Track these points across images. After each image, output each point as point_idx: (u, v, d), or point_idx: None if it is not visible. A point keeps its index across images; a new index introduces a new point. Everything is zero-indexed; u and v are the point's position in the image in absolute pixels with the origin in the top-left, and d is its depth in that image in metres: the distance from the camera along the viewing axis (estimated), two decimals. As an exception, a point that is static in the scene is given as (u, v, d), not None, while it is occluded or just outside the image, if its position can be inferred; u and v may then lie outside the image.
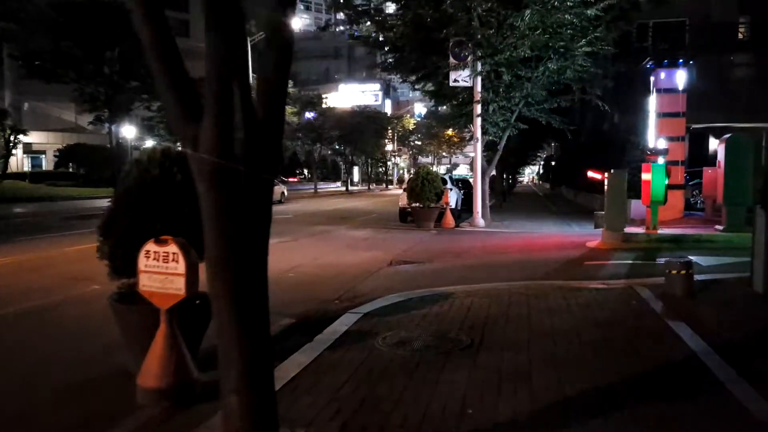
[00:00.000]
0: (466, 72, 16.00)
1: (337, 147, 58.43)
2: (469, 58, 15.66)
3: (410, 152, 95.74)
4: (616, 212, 10.72)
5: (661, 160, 10.97)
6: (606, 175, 11.02)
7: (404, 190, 18.41)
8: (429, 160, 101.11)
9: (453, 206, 19.41)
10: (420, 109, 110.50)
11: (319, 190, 52.51)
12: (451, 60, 15.91)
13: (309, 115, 52.55)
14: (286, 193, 35.33)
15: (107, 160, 33.91)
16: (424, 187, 17.40)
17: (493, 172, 35.71)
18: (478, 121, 16.66)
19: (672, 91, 14.43)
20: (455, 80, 16.09)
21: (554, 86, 17.77)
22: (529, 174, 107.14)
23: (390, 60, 17.87)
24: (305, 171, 63.24)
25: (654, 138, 14.79)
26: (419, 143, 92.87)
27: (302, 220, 20.72)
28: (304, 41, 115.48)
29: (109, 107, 23.77)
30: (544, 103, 17.45)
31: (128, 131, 36.92)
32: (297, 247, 13.10)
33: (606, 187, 10.83)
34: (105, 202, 5.28)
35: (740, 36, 26.94)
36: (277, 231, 16.95)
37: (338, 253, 12.10)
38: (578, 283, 7.70)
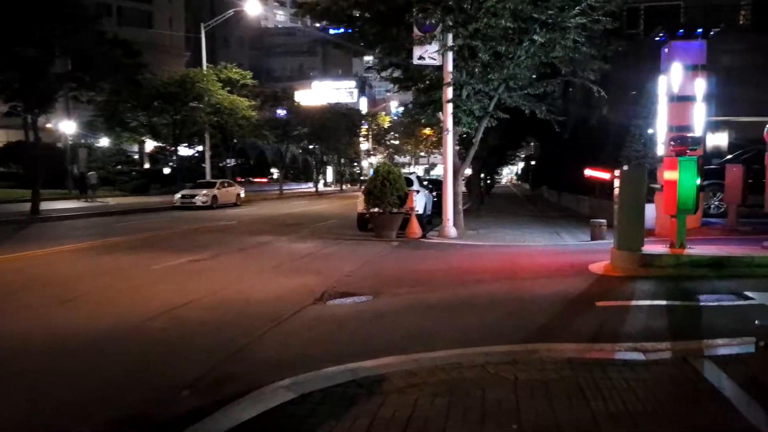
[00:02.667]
0: (434, 47, 12.98)
1: (307, 145, 55.09)
2: (437, 29, 12.64)
3: (387, 151, 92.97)
4: (632, 225, 7.77)
5: (691, 153, 8.04)
6: (615, 173, 8.06)
7: (362, 192, 15.33)
8: (406, 159, 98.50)
9: (420, 211, 16.38)
10: (396, 107, 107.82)
11: (286, 192, 49.22)
12: (416, 32, 12.87)
13: (281, 112, 49.22)
14: (242, 195, 32.06)
15: (47, 159, 30.28)
16: (385, 189, 14.34)
17: (469, 171, 32.86)
18: (449, 108, 13.64)
19: (689, 68, 11.56)
20: (420, 57, 13.05)
21: (540, 68, 14.84)
22: (508, 174, 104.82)
23: (341, 35, 14.74)
24: (273, 171, 59.60)
25: (666, 127, 11.92)
26: (396, 142, 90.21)
27: (244, 229, 17.54)
28: (277, 37, 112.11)
29: (25, 96, 20.26)
30: (528, 87, 14.50)
31: (67, 126, 33.28)
32: (208, 269, 9.96)
33: (617, 191, 7.88)
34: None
35: (741, 21, 24.38)
36: (201, 243, 13.82)
37: (258, 279, 9.00)
38: (598, 349, 4.71)
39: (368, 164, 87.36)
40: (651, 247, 8.07)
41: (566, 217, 20.48)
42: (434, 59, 13.14)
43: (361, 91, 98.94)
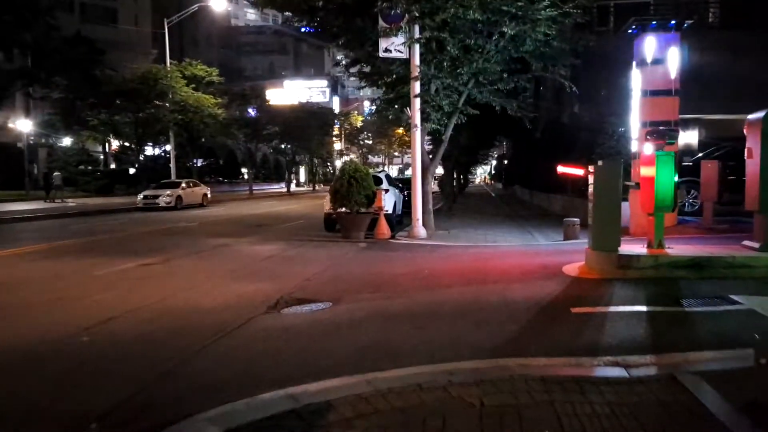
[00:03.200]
0: (401, 39, 12.40)
1: (277, 145, 54.11)
2: (403, 20, 12.08)
3: (360, 151, 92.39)
4: (607, 224, 7.29)
5: (668, 148, 7.60)
6: (590, 169, 7.58)
7: (329, 192, 14.70)
8: (380, 159, 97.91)
9: (390, 211, 15.81)
10: (369, 106, 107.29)
11: (257, 192, 48.27)
12: (381, 23, 12.29)
13: (252, 111, 48.21)
14: (209, 195, 31.11)
15: (5, 159, 28.98)
16: (352, 189, 13.73)
17: (441, 171, 32.42)
18: (417, 103, 13.08)
19: (662, 62, 11.21)
20: (386, 50, 12.47)
21: (510, 64, 14.38)
22: (481, 174, 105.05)
23: (303, 26, 14.05)
24: (245, 171, 58.44)
25: (638, 123, 11.57)
26: (369, 142, 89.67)
27: (204, 230, 16.76)
28: (247, 35, 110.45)
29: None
30: (498, 82, 14.02)
31: (24, 125, 31.88)
32: (157, 275, 9.23)
33: (592, 188, 7.40)
34: None
35: (711, 18, 24.36)
36: (155, 247, 13.02)
37: (210, 285, 8.31)
38: (575, 364, 4.17)
39: (341, 164, 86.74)
40: (627, 247, 7.61)
41: (538, 216, 20.14)
42: (401, 52, 12.56)
43: (334, 91, 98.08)
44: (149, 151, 45.58)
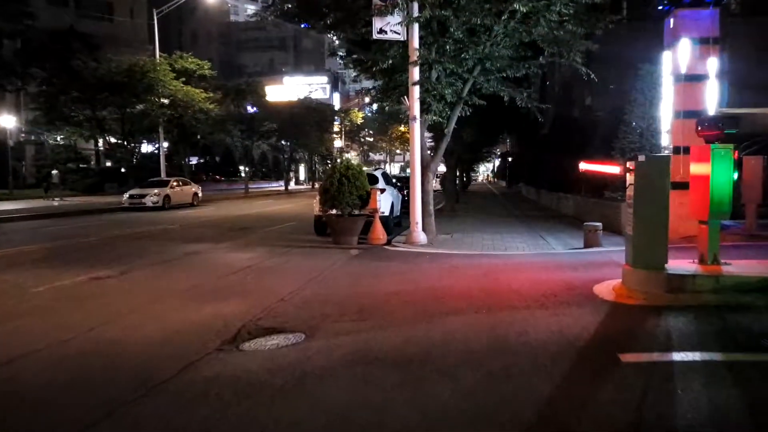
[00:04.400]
0: (397, 18, 10.89)
1: (275, 142, 52.56)
2: (400, -4, 10.57)
3: (361, 149, 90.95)
4: (653, 235, 5.80)
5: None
6: (629, 165, 6.07)
7: (318, 191, 13.21)
8: (382, 157, 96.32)
9: (386, 213, 14.32)
10: (369, 102, 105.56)
11: (253, 190, 46.76)
12: (375, 0, 10.78)
13: (251, 108, 46.69)
14: (200, 195, 29.59)
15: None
16: (343, 188, 12.24)
17: (442, 168, 30.85)
18: (416, 92, 11.57)
19: (698, 41, 9.69)
20: (381, 31, 10.95)
21: (520, 48, 12.86)
22: (484, 171, 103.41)
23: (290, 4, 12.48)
24: (242, 169, 56.88)
25: (672, 113, 10.05)
26: (370, 139, 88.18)
27: (184, 234, 15.28)
28: (247, 31, 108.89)
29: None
30: (507, 69, 12.52)
31: (7, 121, 30.42)
32: (105, 292, 7.76)
33: (633, 189, 5.90)
34: None
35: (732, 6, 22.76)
36: (120, 254, 11.44)
37: (162, 307, 6.84)
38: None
39: (341, 161, 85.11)
40: (676, 263, 6.10)
41: (548, 218, 18.63)
42: (397, 33, 11.05)
43: (334, 87, 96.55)
44: (145, 148, 44.11)
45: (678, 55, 9.80)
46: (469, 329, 5.22)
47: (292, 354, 4.96)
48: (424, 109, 12.21)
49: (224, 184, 52.77)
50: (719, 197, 5.96)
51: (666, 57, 10.09)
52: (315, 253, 11.31)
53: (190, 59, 33.05)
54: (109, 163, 46.91)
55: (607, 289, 6.38)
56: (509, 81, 13.28)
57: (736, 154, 5.97)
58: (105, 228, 17.01)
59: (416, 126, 11.74)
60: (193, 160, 53.59)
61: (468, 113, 13.13)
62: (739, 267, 6.00)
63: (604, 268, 7.91)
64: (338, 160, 77.24)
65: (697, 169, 6.15)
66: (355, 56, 14.03)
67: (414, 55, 11.30)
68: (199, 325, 6.00)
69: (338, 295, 7.28)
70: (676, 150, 9.72)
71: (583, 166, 9.54)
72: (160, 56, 31.00)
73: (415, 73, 11.43)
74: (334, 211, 12.56)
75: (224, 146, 52.79)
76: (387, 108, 13.48)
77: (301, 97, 59.42)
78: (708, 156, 5.98)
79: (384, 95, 13.20)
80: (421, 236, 11.88)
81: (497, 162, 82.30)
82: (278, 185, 58.11)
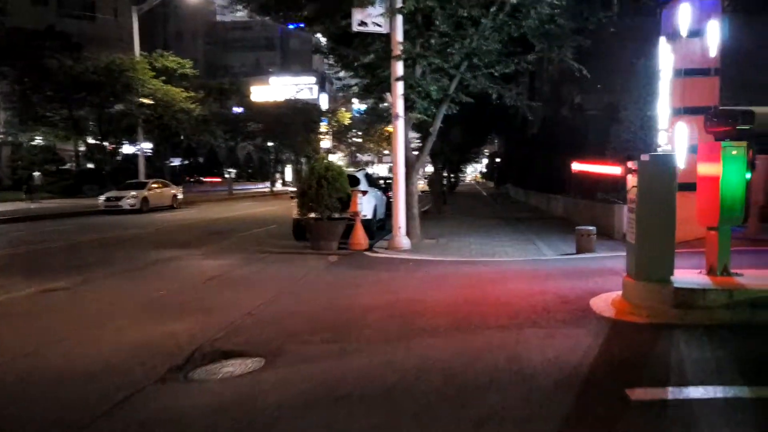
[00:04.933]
0: (379, 9, 10.22)
1: (260, 143, 51.71)
2: (381, -15, 9.90)
3: (349, 150, 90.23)
4: (658, 243, 5.17)
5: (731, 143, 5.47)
6: (630, 165, 5.44)
7: (296, 194, 12.49)
8: (370, 158, 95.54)
9: (369, 216, 13.65)
10: (357, 103, 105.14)
11: (238, 192, 45.91)
12: (354, -11, 10.11)
13: (237, 109, 45.89)
14: (180, 197, 28.72)
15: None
16: (322, 190, 11.54)
17: (429, 168, 30.26)
18: (399, 88, 10.89)
19: (699, 34, 9.10)
20: (362, 23, 10.27)
21: (508, 44, 12.24)
22: (472, 172, 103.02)
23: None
24: (227, 170, 55.77)
25: (669, 109, 9.46)
26: (358, 140, 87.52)
27: (156, 239, 14.52)
28: (233, 31, 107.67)
29: None
30: (495, 65, 11.90)
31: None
32: (53, 307, 7.03)
33: (636, 192, 5.26)
34: None
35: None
36: (81, 262, 10.49)
37: (113, 325, 6.12)
38: None
39: (336, 164, 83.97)
40: (683, 274, 5.47)
41: (538, 220, 18.03)
42: (379, 26, 10.38)
43: (322, 88, 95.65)
44: (128, 149, 43.04)
45: (677, 47, 9.22)
46: (452, 355, 4.55)
47: (245, 386, 4.27)
48: (409, 106, 11.55)
49: (208, 186, 51.72)
50: (731, 201, 5.34)
51: (664, 49, 9.50)
52: (292, 259, 10.60)
53: (170, 58, 32.14)
54: (91, 165, 45.80)
55: (605, 303, 5.74)
56: (498, 78, 12.67)
57: (750, 153, 5.36)
58: (75, 233, 16.19)
59: (400, 124, 11.07)
60: (176, 162, 52.51)
61: (455, 112, 12.49)
62: (752, 278, 5.38)
63: (600, 277, 7.28)
64: (315, 160, 76.25)
65: (705, 169, 5.53)
66: (337, 52, 13.35)
67: (397, 49, 10.64)
68: (149, 347, 5.30)
69: (311, 309, 6.59)
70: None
71: (577, 166, 8.91)
72: (140, 55, 30.09)
73: (399, 69, 10.76)
74: (312, 215, 11.86)
75: (208, 147, 51.78)
76: (368, 106, 12.78)
77: (288, 97, 58.61)
78: (718, 155, 5.36)
79: (366, 92, 12.51)
80: (404, 241, 11.21)
81: (485, 163, 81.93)
82: (264, 186, 57.19)
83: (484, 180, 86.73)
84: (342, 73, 16.52)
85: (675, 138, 9.17)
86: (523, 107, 13.12)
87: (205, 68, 77.39)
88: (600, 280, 7.08)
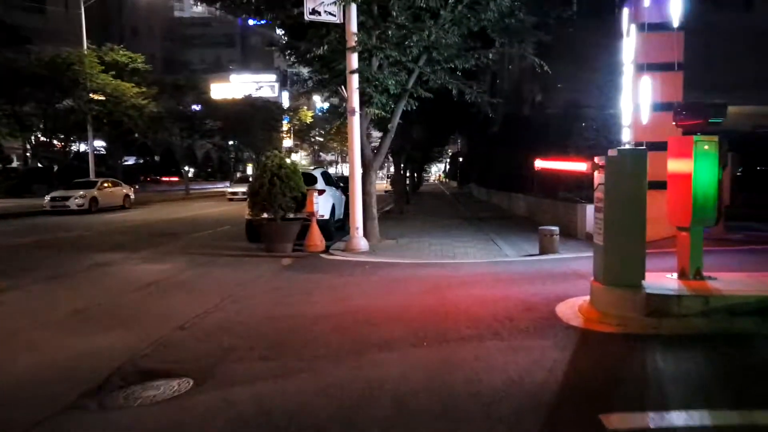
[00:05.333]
0: (332, -3, 9.65)
1: (219, 141, 50.35)
2: (334, -29, 9.33)
3: (311, 148, 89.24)
4: (628, 245, 4.78)
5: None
6: (598, 160, 5.03)
7: (247, 193, 11.82)
8: (333, 157, 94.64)
9: (326, 216, 13.09)
10: (319, 102, 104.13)
11: (195, 192, 44.63)
12: (306, -24, 9.51)
13: (195, 107, 44.43)
14: (132, 197, 27.52)
15: None
16: (275, 189, 10.92)
17: (380, 167, 29.70)
18: (355, 81, 10.35)
19: (662, 27, 8.83)
20: (314, 11, 9.68)
21: (468, 39, 11.84)
22: (436, 172, 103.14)
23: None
24: (185, 169, 54.02)
25: (632, 106, 9.16)
26: (321, 139, 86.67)
27: (98, 241, 13.63)
28: (192, 27, 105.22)
29: None
30: (455, 59, 11.47)
31: None
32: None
33: (604, 190, 4.86)
34: None
35: None
36: (16, 266, 9.77)
37: (28, 339, 5.45)
38: None
39: (290, 162, 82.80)
40: (650, 279, 5.08)
41: (500, 219, 17.73)
42: (333, 15, 9.81)
43: (283, 85, 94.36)
44: (84, 147, 41.23)
45: (639, 41, 8.93)
46: (406, 372, 4.04)
47: (167, 414, 3.68)
48: (365, 101, 11.02)
49: (165, 185, 50.16)
50: (703, 199, 4.98)
51: (627, 43, 9.20)
52: (241, 263, 9.95)
53: (121, 52, 30.78)
54: (41, 164, 43.81)
55: (572, 310, 5.32)
56: (458, 74, 12.27)
57: (721, 149, 5.00)
58: (14, 234, 15.13)
59: (355, 120, 10.51)
60: (131, 161, 50.77)
61: (414, 107, 12.01)
62: (727, 282, 5.03)
63: (565, 281, 6.89)
64: (288, 160, 75.03)
65: (676, 165, 5.16)
66: (291, 45, 12.70)
67: (352, 41, 10.09)
68: (62, 367, 4.66)
69: (254, 319, 5.99)
70: (638, 145, 8.84)
71: (540, 163, 8.54)
72: (88, 48, 28.72)
73: (354, 61, 10.22)
74: (265, 215, 11.23)
75: (165, 146, 50.13)
76: (323, 98, 12.18)
77: (247, 94, 57.32)
78: (689, 150, 4.99)
79: (321, 86, 11.92)
80: (362, 243, 10.67)
81: (448, 162, 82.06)
82: (223, 186, 55.80)
83: (447, 180, 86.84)
84: (302, 69, 15.89)
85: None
86: (485, 104, 12.75)
87: (162, 65, 75.26)
88: (565, 284, 6.69)
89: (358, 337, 5.04)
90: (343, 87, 10.47)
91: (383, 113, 11.52)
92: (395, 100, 11.48)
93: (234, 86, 78.93)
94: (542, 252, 9.33)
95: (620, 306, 4.80)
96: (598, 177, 5.04)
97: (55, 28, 55.24)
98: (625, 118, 9.33)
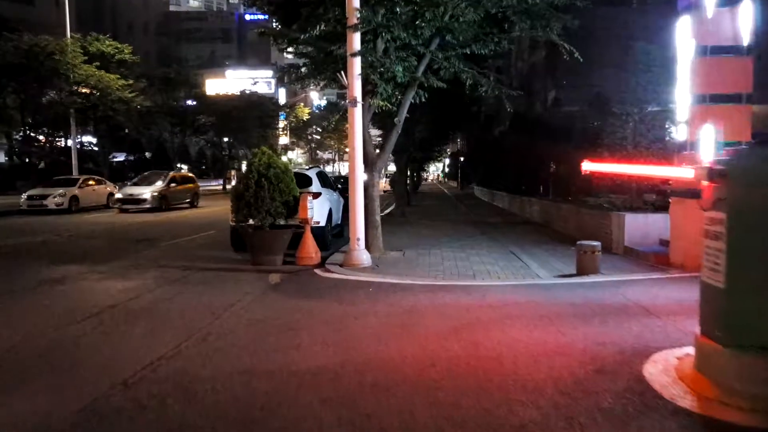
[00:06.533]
0: (331, -35, 8.06)
1: (212, 137, 48.67)
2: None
3: (308, 146, 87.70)
4: (766, 291, 3.26)
5: None
6: (713, 165, 3.47)
7: (230, 197, 10.22)
8: (330, 155, 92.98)
9: (322, 223, 11.51)
10: (316, 99, 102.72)
11: (186, 190, 42.89)
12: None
13: (191, 102, 42.89)
14: (116, 195, 25.87)
15: None
16: (262, 193, 9.36)
17: (391, 167, 28.06)
18: (357, 65, 8.77)
19: (729, 2, 7.28)
20: (309, -19, 8.09)
21: (485, 23, 10.27)
22: (434, 171, 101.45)
23: None
24: (177, 166, 52.07)
25: (690, 97, 7.62)
26: (318, 137, 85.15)
27: (62, 248, 12.04)
28: (187, 22, 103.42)
29: None
30: (472, 43, 9.92)
31: None
32: None
33: (727, 209, 3.32)
34: None
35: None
36: None
37: None
38: None
39: (286, 159, 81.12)
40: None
41: (512, 225, 16.18)
42: (332, -14, 8.23)
43: (280, 81, 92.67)
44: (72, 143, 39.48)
45: (700, 21, 7.38)
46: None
47: None
48: (368, 91, 9.46)
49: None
50: None
51: (683, 23, 7.65)
52: (221, 280, 8.38)
53: (107, 42, 29.09)
54: (28, 160, 42.06)
55: (668, 375, 3.75)
56: (473, 61, 10.74)
57: None
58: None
59: (357, 112, 8.92)
60: (121, 157, 49.02)
61: (424, 99, 10.44)
62: None
63: (630, 319, 5.35)
64: (284, 158, 73.41)
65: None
66: (283, 30, 11.13)
67: (353, 18, 8.50)
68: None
69: (222, 374, 4.41)
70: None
71: (589, 166, 6.97)
72: (71, 37, 27.05)
73: (356, 42, 8.63)
74: (251, 222, 9.64)
75: (157, 142, 48.43)
76: (320, 84, 10.60)
77: (242, 89, 55.64)
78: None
79: (316, 71, 10.32)
80: (363, 257, 9.08)
81: (447, 162, 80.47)
82: (217, 184, 54.07)
83: (446, 180, 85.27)
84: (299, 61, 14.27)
85: (699, 134, 7.32)
86: (503, 96, 11.19)
87: (157, 60, 73.61)
88: (633, 325, 5.14)
89: (358, 420, 3.46)
90: (342, 73, 8.87)
91: (388, 105, 9.96)
92: (403, 90, 9.92)
93: (229, 82, 77.26)
94: (581, 272, 7.78)
95: (755, 380, 3.24)
96: (712, 189, 3.48)
97: (45, 20, 53.56)
98: (681, 112, 7.79)
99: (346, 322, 5.78)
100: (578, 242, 7.94)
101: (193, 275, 8.75)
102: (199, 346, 5.16)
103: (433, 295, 6.95)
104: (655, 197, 10.35)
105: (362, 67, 8.92)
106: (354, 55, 8.62)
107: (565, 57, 10.39)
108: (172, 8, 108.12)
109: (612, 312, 5.69)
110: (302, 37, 9.09)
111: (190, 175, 26.78)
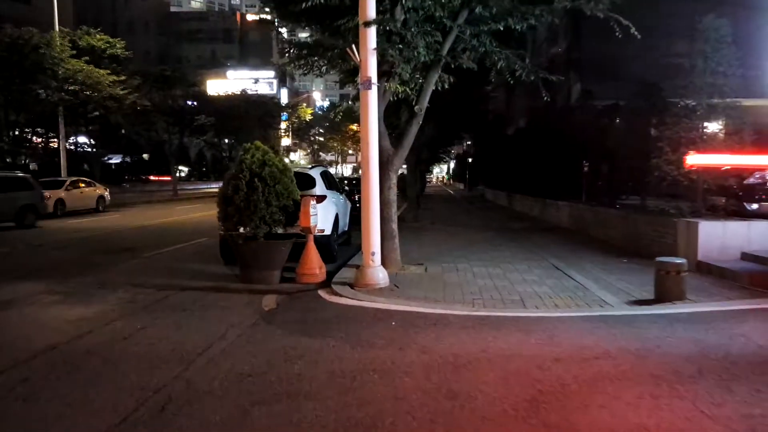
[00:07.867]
0: None
1: (212, 138, 46.98)
2: None
3: (310, 147, 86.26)
4: None
5: None
6: None
7: (217, 201, 8.47)
8: (333, 157, 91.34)
9: (327, 231, 9.79)
10: (319, 100, 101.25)
11: (186, 192, 41.33)
12: None
13: (190, 102, 41.23)
14: (108, 198, 24.23)
15: None
16: (255, 196, 7.66)
17: (402, 165, 26.28)
18: (371, 38, 7.05)
19: None
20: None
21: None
22: (438, 173, 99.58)
23: None
24: (176, 168, 50.31)
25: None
26: (321, 138, 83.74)
27: (22, 261, 10.42)
28: (188, 22, 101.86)
29: None
30: (507, 16, 8.22)
31: None
32: None
33: None
34: None
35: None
36: None
37: None
38: None
39: (288, 161, 79.39)
40: None
41: (539, 232, 14.44)
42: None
43: (282, 82, 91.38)
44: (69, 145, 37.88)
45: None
46: None
47: None
48: (385, 71, 7.75)
49: (155, 185, 46.72)
50: None
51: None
52: (204, 305, 6.70)
53: (97, 36, 27.43)
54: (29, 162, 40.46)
55: None
56: (505, 39, 9.08)
57: None
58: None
59: (372, 96, 7.18)
60: (117, 159, 47.42)
61: (449, 83, 8.72)
62: None
63: (748, 380, 3.64)
64: (286, 160, 71.63)
65: None
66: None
67: (368, -21, 6.81)
68: None
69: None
70: None
71: (695, 159, 5.14)
72: (60, 30, 25.43)
73: (370, 7, 6.92)
74: (242, 231, 7.94)
75: (154, 143, 46.78)
76: (324, 66, 8.85)
77: (242, 88, 54.05)
78: None
79: (320, 46, 8.59)
80: (379, 275, 7.32)
81: (453, 163, 78.61)
82: (217, 186, 52.46)
83: (452, 181, 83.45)
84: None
85: None
86: (540, 81, 9.50)
87: (158, 60, 72.06)
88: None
89: None
90: (354, 48, 7.14)
91: (407, 90, 8.25)
92: (425, 71, 8.22)
93: (230, 82, 75.66)
94: (662, 298, 6.04)
95: None
96: None
97: (40, 18, 52.09)
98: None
99: (364, 382, 4.06)
100: (658, 259, 6.18)
101: (170, 299, 7.06)
102: (154, 422, 3.45)
103: (477, 334, 5.21)
104: (725, 201, 8.68)
105: (377, 43, 7.21)
106: (368, 24, 6.90)
107: (617, 33, 8.68)
108: (173, 9, 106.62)
109: (750, 367, 3.98)
110: (305, 5, 7.31)
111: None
